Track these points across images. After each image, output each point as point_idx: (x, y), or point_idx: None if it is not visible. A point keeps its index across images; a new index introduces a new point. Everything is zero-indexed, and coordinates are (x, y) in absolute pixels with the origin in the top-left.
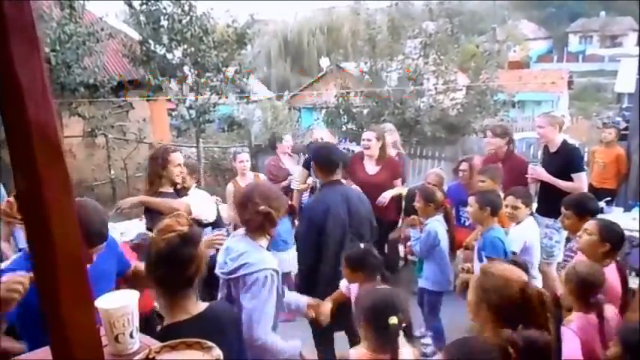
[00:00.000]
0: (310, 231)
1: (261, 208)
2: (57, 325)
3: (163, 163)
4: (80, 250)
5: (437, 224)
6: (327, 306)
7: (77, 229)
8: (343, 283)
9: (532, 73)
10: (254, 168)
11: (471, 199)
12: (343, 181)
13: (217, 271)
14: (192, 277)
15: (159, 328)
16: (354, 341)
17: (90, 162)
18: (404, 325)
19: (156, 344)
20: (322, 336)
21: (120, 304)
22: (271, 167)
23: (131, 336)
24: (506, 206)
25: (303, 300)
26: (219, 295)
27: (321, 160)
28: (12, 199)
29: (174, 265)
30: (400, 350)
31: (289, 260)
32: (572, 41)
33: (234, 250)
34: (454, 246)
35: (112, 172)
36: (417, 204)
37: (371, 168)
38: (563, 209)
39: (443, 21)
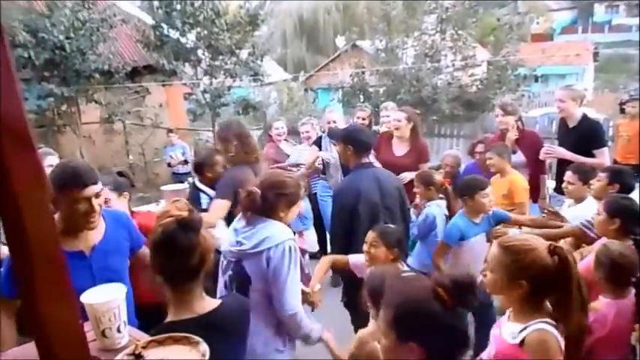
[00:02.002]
0: (342, 215)
1: (250, 189)
2: (37, 321)
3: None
4: (57, 244)
5: (436, 209)
6: (316, 292)
7: (52, 222)
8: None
9: (556, 46)
10: None
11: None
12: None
13: (226, 250)
14: (195, 269)
15: None
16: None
17: (108, 148)
18: None
19: (145, 339)
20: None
21: (105, 299)
22: (271, 153)
23: (118, 330)
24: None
25: (318, 328)
26: (223, 278)
27: (353, 142)
28: None
29: (172, 253)
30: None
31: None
32: (598, 11)
33: (243, 230)
34: None
35: (131, 157)
36: (417, 189)
37: (399, 149)
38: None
39: None
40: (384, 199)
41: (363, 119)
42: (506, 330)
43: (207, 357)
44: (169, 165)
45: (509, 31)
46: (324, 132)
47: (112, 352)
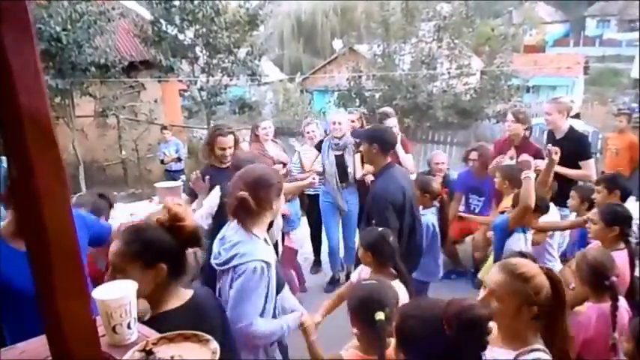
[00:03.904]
0: (393, 214)
1: (240, 193)
2: (52, 316)
3: None
4: (75, 240)
5: (432, 217)
6: (312, 324)
7: (71, 218)
8: (355, 274)
9: (548, 57)
10: None
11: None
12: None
13: (212, 261)
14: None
15: (147, 316)
16: None
17: (101, 142)
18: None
19: (154, 335)
20: None
21: (117, 295)
22: (255, 156)
23: (129, 327)
24: None
25: (296, 315)
26: (218, 286)
27: (378, 141)
28: None
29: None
30: (390, 348)
31: (299, 241)
32: (590, 25)
33: (228, 240)
34: (446, 236)
35: (124, 152)
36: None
37: (403, 152)
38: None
39: (458, 3)
40: (412, 197)
41: (353, 122)
42: (499, 356)
43: (218, 355)
44: (162, 162)
45: (504, 42)
46: (327, 134)
47: (121, 348)
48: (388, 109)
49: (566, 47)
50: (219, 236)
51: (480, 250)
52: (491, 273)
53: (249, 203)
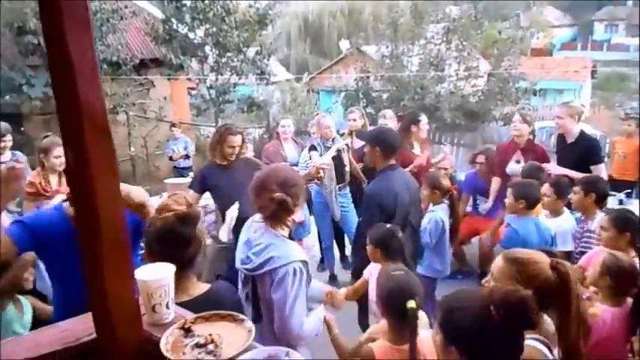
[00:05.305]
0: (379, 217)
1: (276, 195)
2: (100, 296)
3: None
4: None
5: (442, 213)
6: (341, 295)
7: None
8: (367, 270)
9: (555, 61)
10: None
11: (508, 191)
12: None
13: (239, 266)
14: (191, 258)
15: None
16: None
17: None
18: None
19: (189, 315)
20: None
21: (158, 276)
22: (268, 152)
23: (167, 307)
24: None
25: (319, 286)
26: (243, 291)
27: (382, 143)
28: (33, 177)
29: (170, 244)
30: (420, 337)
31: (311, 247)
32: (598, 29)
33: (255, 243)
34: (456, 234)
35: (132, 149)
36: (424, 191)
37: (418, 150)
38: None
39: (467, 6)
40: (411, 200)
41: (354, 120)
42: None
43: (253, 334)
44: (171, 158)
45: (511, 45)
46: (340, 134)
47: (159, 327)
48: (388, 112)
49: (573, 51)
50: (242, 240)
51: (488, 251)
52: (494, 262)
53: (288, 204)
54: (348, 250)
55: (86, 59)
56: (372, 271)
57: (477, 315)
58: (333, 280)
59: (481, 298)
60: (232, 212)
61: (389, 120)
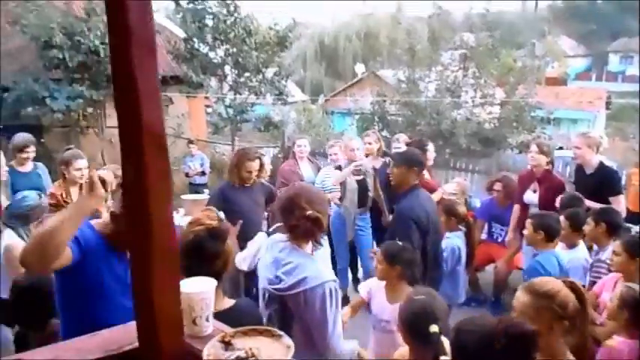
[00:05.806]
0: (417, 232)
1: (309, 213)
2: (146, 305)
3: None
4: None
5: (458, 240)
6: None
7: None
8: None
9: (569, 91)
10: None
11: (527, 221)
12: None
13: (266, 286)
14: (218, 272)
15: None
16: None
17: None
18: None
19: (227, 329)
20: None
21: (200, 289)
22: (284, 172)
23: (207, 320)
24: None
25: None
26: (268, 311)
27: (416, 163)
28: (55, 189)
29: (199, 257)
30: None
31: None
32: (612, 60)
33: (284, 262)
34: (472, 261)
35: None
36: (440, 218)
37: (427, 174)
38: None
39: (484, 34)
40: (436, 221)
41: (370, 144)
42: None
43: (293, 351)
44: (187, 175)
45: (527, 73)
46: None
47: (199, 339)
48: (402, 136)
49: (588, 81)
50: (267, 260)
51: (503, 279)
52: (516, 296)
53: (321, 221)
54: (360, 273)
55: (150, 81)
56: (373, 289)
57: (481, 340)
58: (345, 301)
59: (490, 325)
60: (258, 242)
61: (402, 144)
